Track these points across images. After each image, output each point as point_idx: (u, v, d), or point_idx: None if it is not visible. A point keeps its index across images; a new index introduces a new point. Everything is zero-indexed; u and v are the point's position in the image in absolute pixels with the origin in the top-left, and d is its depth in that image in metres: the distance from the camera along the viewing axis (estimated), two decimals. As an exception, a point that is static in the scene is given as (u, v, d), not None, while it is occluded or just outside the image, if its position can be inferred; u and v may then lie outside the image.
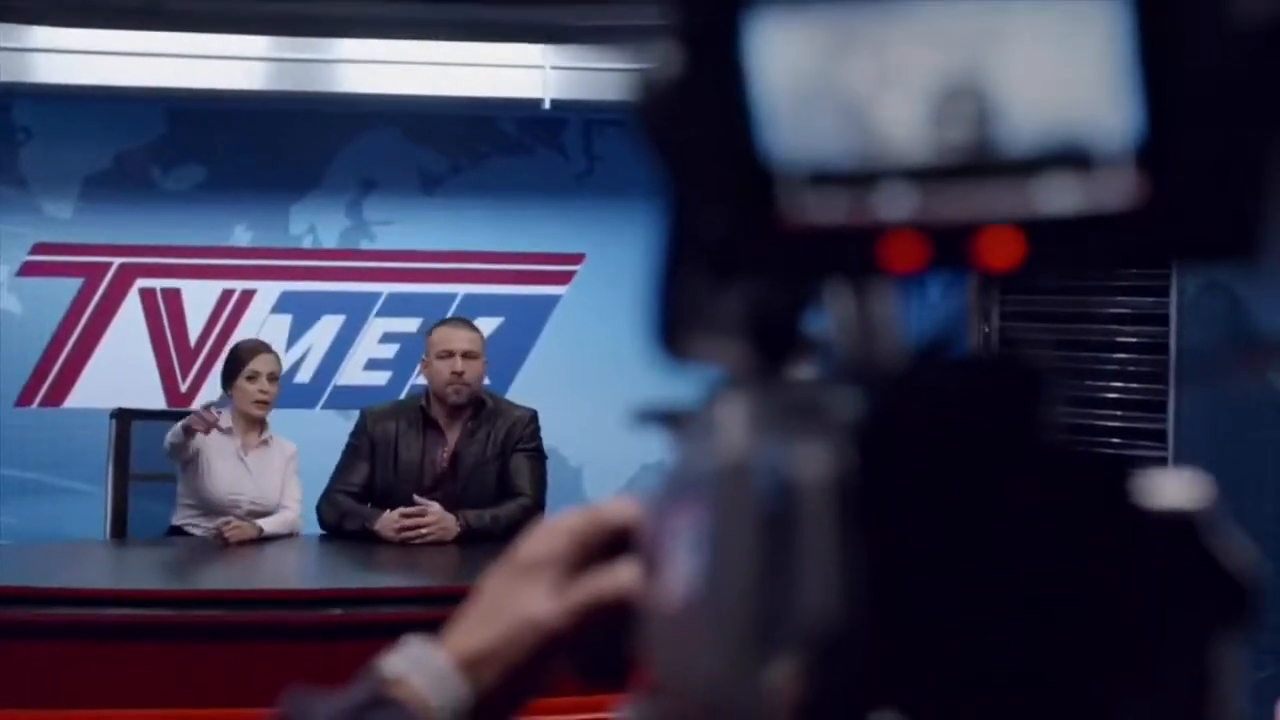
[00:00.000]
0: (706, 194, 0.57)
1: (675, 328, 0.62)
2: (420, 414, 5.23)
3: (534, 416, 5.32)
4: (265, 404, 5.28)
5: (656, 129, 0.59)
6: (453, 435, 5.20)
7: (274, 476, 5.26)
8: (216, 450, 5.19)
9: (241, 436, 5.26)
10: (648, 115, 0.59)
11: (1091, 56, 0.49)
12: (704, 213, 0.57)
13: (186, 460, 5.17)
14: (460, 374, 5.14)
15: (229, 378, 5.33)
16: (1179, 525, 0.58)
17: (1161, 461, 4.92)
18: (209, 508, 5.15)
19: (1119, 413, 5.21)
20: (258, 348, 5.44)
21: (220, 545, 4.95)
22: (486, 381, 5.36)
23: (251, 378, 5.26)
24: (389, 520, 5.04)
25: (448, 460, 5.17)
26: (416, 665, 0.92)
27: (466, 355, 5.17)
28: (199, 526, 5.15)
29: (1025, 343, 5.16)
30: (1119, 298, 5.23)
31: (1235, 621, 0.58)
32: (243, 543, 4.99)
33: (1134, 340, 5.26)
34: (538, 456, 5.26)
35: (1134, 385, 5.22)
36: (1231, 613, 0.58)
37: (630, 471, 6.08)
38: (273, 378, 5.30)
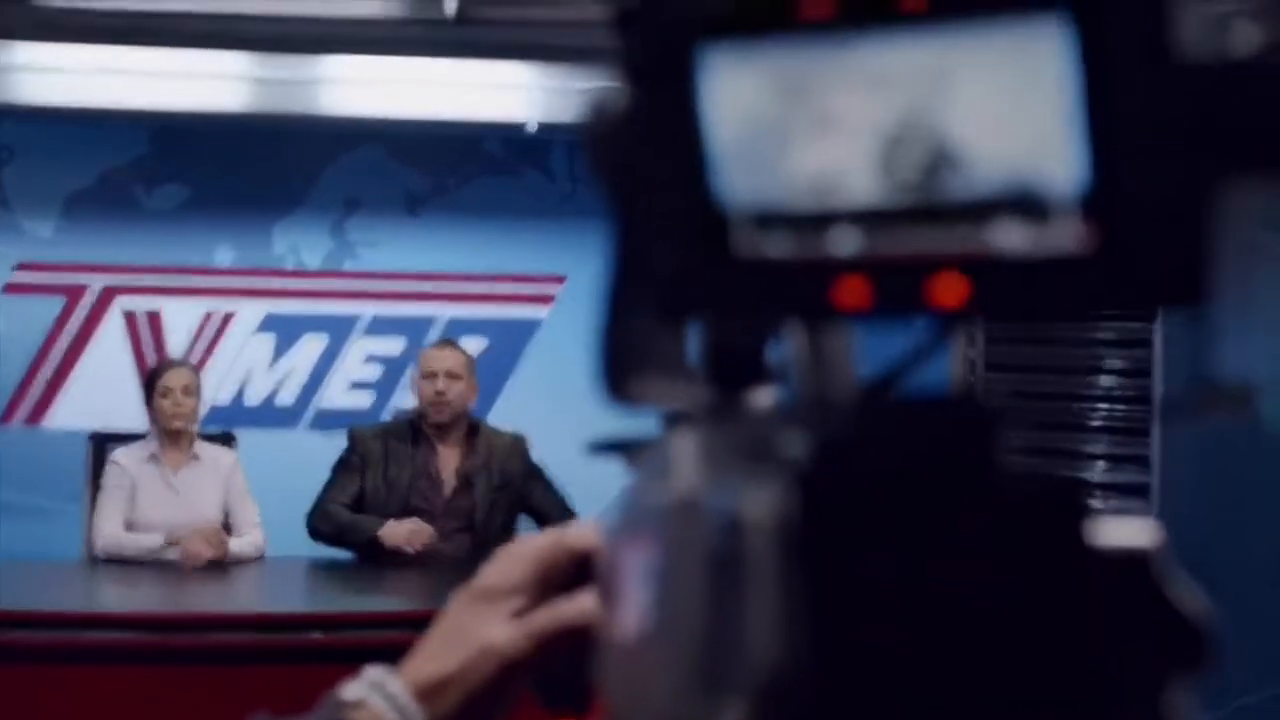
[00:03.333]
0: (657, 231, 0.57)
1: (623, 370, 0.62)
2: (410, 429, 5.30)
3: (524, 441, 5.44)
4: (180, 417, 5.27)
5: (607, 164, 0.59)
6: (449, 453, 5.25)
7: (207, 494, 5.25)
8: (144, 480, 5.20)
9: (166, 457, 5.26)
10: (599, 150, 0.59)
11: (1038, 102, 0.49)
12: (654, 250, 0.57)
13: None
14: (441, 393, 5.23)
15: (147, 398, 5.37)
16: (1135, 566, 0.58)
17: (1145, 488, 4.92)
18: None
19: (1103, 437, 5.21)
20: (170, 364, 5.50)
21: (188, 568, 4.96)
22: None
23: (164, 394, 5.27)
24: (397, 530, 5.06)
25: (457, 478, 5.22)
26: (375, 692, 0.92)
27: (449, 375, 5.26)
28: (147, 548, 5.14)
29: (1008, 367, 5.16)
30: (1104, 322, 5.24)
31: (1191, 665, 0.58)
32: (208, 564, 5.00)
33: (1119, 365, 5.26)
34: (551, 483, 5.38)
35: (1119, 409, 5.22)
36: (1188, 656, 0.58)
37: (614, 493, 6.05)
38: (187, 391, 5.30)
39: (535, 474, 5.37)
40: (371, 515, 5.16)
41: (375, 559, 5.08)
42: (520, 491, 5.29)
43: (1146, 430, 5.04)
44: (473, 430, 5.34)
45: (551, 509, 5.28)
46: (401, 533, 5.07)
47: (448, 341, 5.64)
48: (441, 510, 5.18)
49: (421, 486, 5.21)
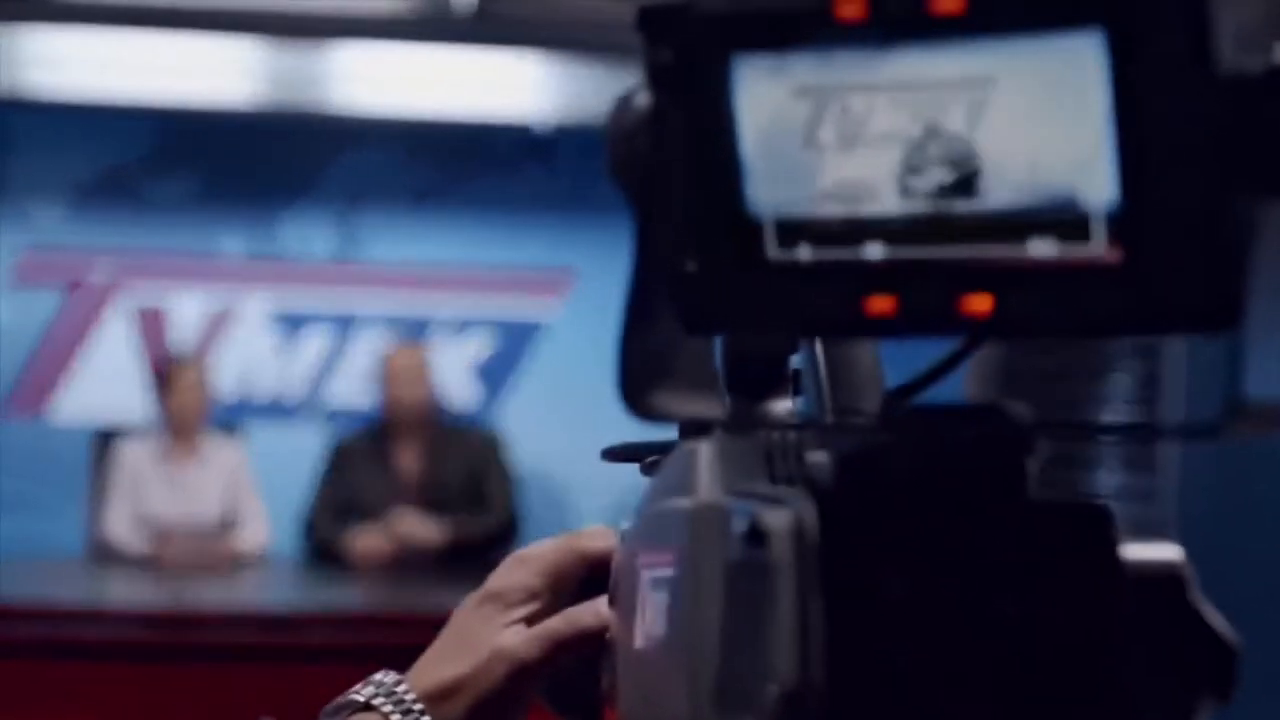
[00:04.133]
0: (682, 241, 0.56)
1: (645, 382, 0.61)
2: (378, 433, 5.40)
3: (496, 439, 5.57)
4: (188, 413, 5.32)
5: (630, 169, 0.58)
6: (411, 453, 5.29)
7: (212, 490, 5.25)
8: (150, 476, 5.21)
9: (172, 453, 5.29)
10: (621, 155, 0.58)
11: (1070, 118, 0.49)
12: (679, 260, 0.56)
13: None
14: (399, 398, 5.38)
15: (155, 393, 5.50)
16: (1165, 586, 0.57)
17: (1153, 496, 4.87)
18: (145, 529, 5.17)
19: (1114, 444, 5.16)
20: (179, 359, 5.67)
21: (166, 566, 4.98)
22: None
23: (172, 390, 5.37)
24: (362, 543, 5.09)
25: (419, 479, 5.25)
26: (384, 696, 0.91)
27: (408, 380, 5.42)
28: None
29: (1024, 373, 5.13)
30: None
31: (1221, 687, 0.57)
32: (206, 566, 5.00)
33: (1129, 370, 5.23)
34: (507, 471, 5.48)
35: (1127, 415, 5.17)
36: (1218, 678, 0.57)
37: (631, 494, 6.01)
38: (195, 387, 5.38)
39: (502, 469, 5.42)
40: (350, 520, 5.18)
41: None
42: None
43: (1154, 440, 5.00)
44: (438, 430, 5.42)
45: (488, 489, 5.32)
46: (365, 546, 5.10)
47: (407, 346, 5.86)
48: (407, 508, 5.19)
49: (389, 488, 5.24)
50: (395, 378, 5.44)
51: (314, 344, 6.72)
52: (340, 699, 0.91)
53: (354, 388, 6.63)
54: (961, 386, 0.63)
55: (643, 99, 0.57)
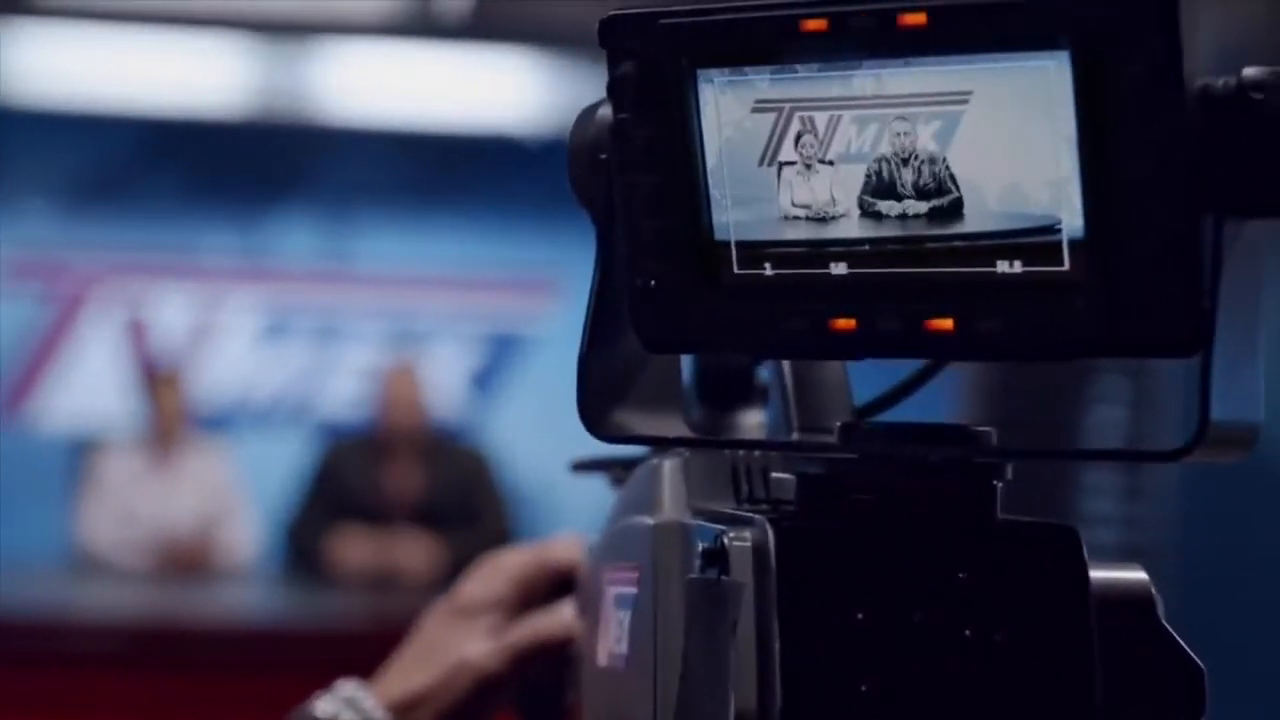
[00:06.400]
0: (643, 259, 0.55)
1: (606, 402, 0.60)
2: (373, 444, 5.37)
3: (482, 457, 5.55)
4: (169, 419, 5.32)
5: (592, 185, 0.57)
6: (406, 467, 5.26)
7: (195, 497, 5.23)
8: (131, 482, 5.19)
9: (154, 458, 5.28)
10: (584, 170, 0.57)
11: (1037, 139, 0.48)
12: (638, 277, 0.55)
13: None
14: (395, 421, 5.36)
15: (137, 399, 5.51)
16: (1134, 604, 0.57)
17: (1139, 515, 4.88)
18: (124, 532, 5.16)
19: (1090, 468, 5.16)
20: (161, 365, 5.72)
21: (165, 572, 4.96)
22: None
23: (154, 395, 5.39)
24: (343, 546, 5.07)
25: (413, 493, 5.23)
26: (348, 708, 0.90)
27: (404, 405, 5.40)
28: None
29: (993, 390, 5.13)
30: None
31: (1189, 708, 0.57)
32: (192, 569, 4.99)
33: (1111, 384, 5.23)
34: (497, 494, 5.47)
35: (1106, 437, 5.17)
36: (1186, 705, 0.57)
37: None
38: (176, 393, 5.40)
39: (494, 487, 5.41)
40: (336, 526, 5.16)
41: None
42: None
43: (1122, 462, 4.99)
44: (432, 447, 5.41)
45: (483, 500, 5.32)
46: (348, 554, 5.09)
47: (400, 368, 5.78)
48: (399, 524, 5.18)
49: (381, 500, 5.23)
50: (391, 402, 5.42)
51: (300, 349, 6.70)
52: (302, 710, 0.90)
53: (340, 395, 6.61)
54: (931, 405, 0.62)
55: (605, 112, 0.56)
